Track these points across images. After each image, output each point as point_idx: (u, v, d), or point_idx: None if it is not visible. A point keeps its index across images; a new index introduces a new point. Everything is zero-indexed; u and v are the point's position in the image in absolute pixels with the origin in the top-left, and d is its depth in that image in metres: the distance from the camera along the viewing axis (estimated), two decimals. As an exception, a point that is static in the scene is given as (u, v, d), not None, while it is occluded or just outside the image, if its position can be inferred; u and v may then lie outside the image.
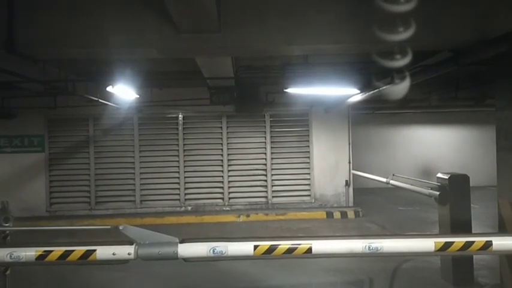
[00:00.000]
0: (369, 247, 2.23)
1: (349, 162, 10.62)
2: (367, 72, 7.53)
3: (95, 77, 7.88)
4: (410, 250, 2.33)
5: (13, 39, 4.15)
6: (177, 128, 10.50)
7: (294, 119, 10.62)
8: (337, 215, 9.94)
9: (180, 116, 10.48)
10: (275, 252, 2.25)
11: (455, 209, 4.89)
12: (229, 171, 10.50)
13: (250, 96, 9.96)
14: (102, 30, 4.25)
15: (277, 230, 8.72)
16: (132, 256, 2.22)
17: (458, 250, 2.28)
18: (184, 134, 10.51)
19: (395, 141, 14.80)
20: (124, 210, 10.26)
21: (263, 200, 10.50)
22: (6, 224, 2.46)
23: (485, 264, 5.57)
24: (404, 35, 3.75)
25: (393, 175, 6.84)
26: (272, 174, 10.52)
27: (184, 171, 10.46)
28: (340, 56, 7.10)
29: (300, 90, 7.75)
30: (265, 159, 10.54)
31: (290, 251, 2.25)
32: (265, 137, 10.57)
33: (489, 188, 10.68)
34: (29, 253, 2.23)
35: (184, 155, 10.47)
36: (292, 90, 7.64)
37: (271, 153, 10.54)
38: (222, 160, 10.49)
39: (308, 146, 10.62)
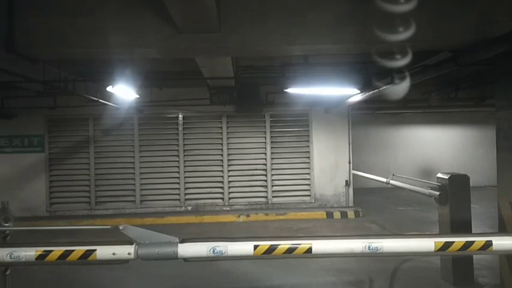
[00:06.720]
0: (369, 247, 2.23)
1: (349, 162, 10.62)
2: (367, 72, 7.54)
3: (95, 77, 7.88)
4: (410, 250, 2.32)
5: (13, 40, 4.14)
6: (177, 128, 10.50)
7: (294, 119, 10.62)
8: (337, 215, 9.94)
9: (180, 116, 10.48)
10: (275, 252, 2.25)
11: (455, 209, 4.89)
12: (229, 171, 10.49)
13: (250, 96, 9.96)
14: (102, 30, 4.25)
15: (277, 230, 8.72)
16: (132, 256, 2.22)
17: (458, 250, 2.27)
18: (184, 134, 10.51)
19: (395, 141, 14.80)
20: (124, 210, 10.26)
21: (263, 200, 10.50)
22: (6, 224, 2.46)
23: (485, 264, 5.57)
24: (404, 35, 3.76)
25: (393, 175, 6.84)
26: (272, 174, 10.52)
27: (184, 171, 10.46)
28: (340, 56, 7.10)
29: (300, 90, 7.75)
30: (265, 159, 10.54)
31: (290, 251, 2.25)
32: (265, 137, 10.57)
33: (489, 188, 10.71)
34: (29, 253, 2.23)
35: (184, 155, 10.47)
36: (292, 90, 7.64)
37: (271, 153, 10.54)
38: (222, 160, 10.49)
39: (308, 146, 10.62)
